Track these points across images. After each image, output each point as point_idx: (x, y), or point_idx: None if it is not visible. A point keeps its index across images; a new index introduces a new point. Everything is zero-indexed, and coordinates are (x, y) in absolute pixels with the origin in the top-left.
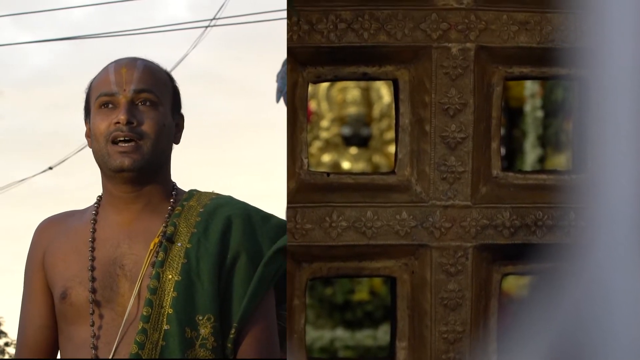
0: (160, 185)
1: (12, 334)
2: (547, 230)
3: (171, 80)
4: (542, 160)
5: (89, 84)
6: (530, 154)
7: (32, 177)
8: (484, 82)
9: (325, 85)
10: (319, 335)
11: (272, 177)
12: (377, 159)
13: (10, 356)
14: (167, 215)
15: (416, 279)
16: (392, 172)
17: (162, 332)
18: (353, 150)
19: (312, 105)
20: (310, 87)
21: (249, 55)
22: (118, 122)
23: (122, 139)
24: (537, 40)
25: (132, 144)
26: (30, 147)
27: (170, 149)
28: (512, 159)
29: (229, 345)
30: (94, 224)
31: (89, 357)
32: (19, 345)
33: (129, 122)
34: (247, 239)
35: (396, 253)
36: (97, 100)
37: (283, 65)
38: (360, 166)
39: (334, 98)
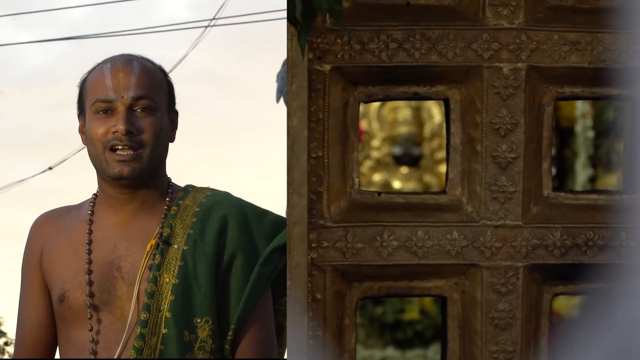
0: (157, 185)
1: (12, 333)
2: (598, 250)
3: (165, 76)
4: (593, 180)
5: (82, 80)
6: (581, 174)
7: (32, 177)
8: (535, 102)
9: (376, 104)
10: (369, 354)
11: (272, 176)
12: (428, 178)
13: (10, 355)
14: (163, 216)
15: (467, 299)
16: (443, 191)
17: (161, 336)
18: (404, 169)
19: (363, 124)
20: (362, 107)
21: (249, 55)
22: (116, 132)
23: (120, 147)
24: (588, 61)
25: (131, 152)
26: (30, 147)
27: (166, 151)
28: (562, 179)
29: (227, 346)
30: (90, 224)
31: (91, 359)
32: (18, 343)
33: (128, 132)
34: (243, 238)
35: (447, 272)
36: (93, 105)
37: (283, 65)
38: (411, 186)
39: (385, 117)
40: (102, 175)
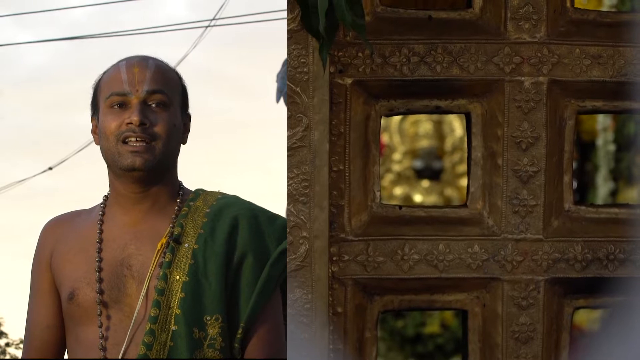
0: (168, 185)
1: (13, 334)
2: (619, 264)
3: (180, 79)
4: (614, 193)
5: (97, 81)
6: (602, 187)
7: (32, 177)
8: (557, 116)
9: (397, 118)
10: None
11: (272, 176)
12: (449, 192)
13: (10, 356)
14: (173, 216)
15: (487, 312)
16: (464, 205)
17: (170, 333)
18: (425, 183)
19: (385, 138)
20: (383, 120)
21: (249, 55)
22: (130, 123)
23: (133, 139)
24: (609, 74)
25: (144, 144)
26: (30, 147)
27: (178, 150)
28: (584, 193)
29: (236, 345)
30: (101, 224)
31: (98, 358)
32: (26, 345)
33: (141, 124)
34: (254, 239)
35: (468, 286)
36: (108, 99)
37: (283, 65)
38: (432, 199)
39: (406, 131)
40: (114, 170)
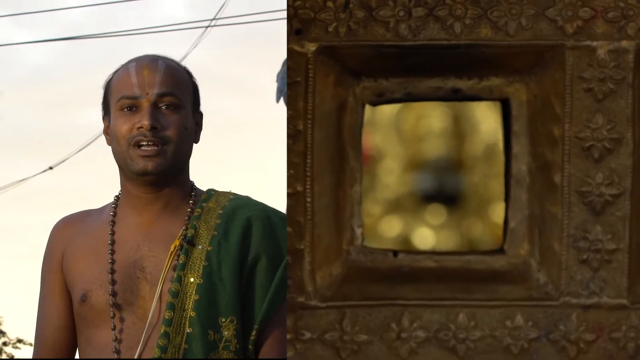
0: (180, 186)
1: (11, 333)
2: None
3: (190, 77)
4: None
5: (107, 81)
6: None
7: (32, 177)
8: None
9: (391, 109)
10: None
11: (271, 176)
12: (475, 228)
13: (8, 355)
14: (186, 218)
15: None
16: (500, 250)
17: (185, 335)
18: (435, 214)
19: (371, 140)
20: (368, 111)
21: (249, 55)
22: (141, 127)
23: (145, 142)
24: None
25: (156, 147)
26: (30, 147)
27: (190, 151)
28: None
29: (250, 346)
30: (113, 225)
31: (112, 359)
32: (37, 346)
33: (152, 128)
34: (267, 240)
35: None
36: (118, 102)
37: (283, 65)
38: (447, 240)
39: (406, 129)
40: (126, 173)
